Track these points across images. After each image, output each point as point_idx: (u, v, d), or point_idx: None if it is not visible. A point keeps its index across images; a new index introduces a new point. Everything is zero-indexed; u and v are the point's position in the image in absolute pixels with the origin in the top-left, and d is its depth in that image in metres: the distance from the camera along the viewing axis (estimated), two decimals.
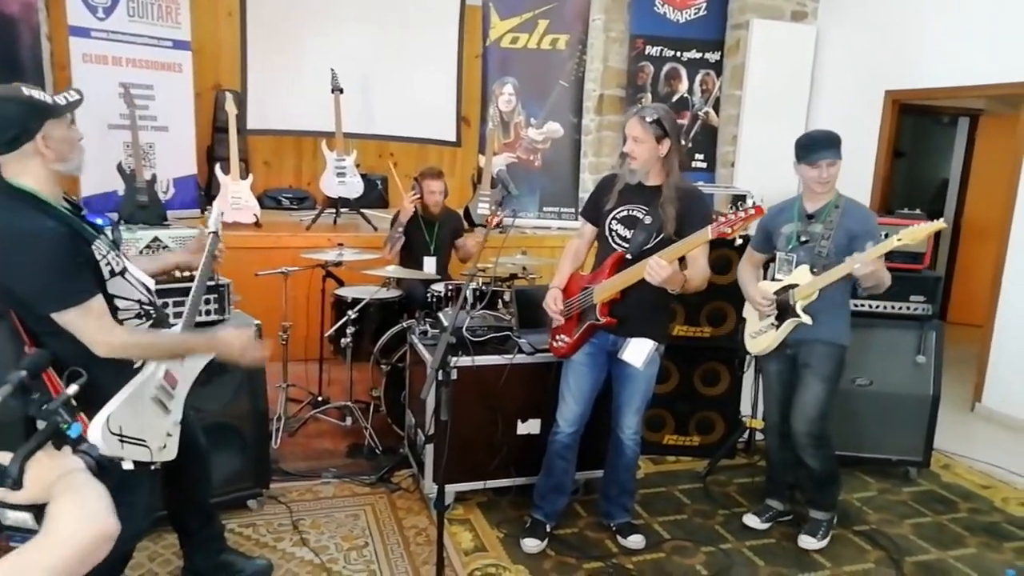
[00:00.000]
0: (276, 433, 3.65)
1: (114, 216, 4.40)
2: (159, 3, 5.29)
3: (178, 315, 2.40)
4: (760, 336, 2.99)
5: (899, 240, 2.57)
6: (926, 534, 3.14)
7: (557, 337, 2.90)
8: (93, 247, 1.84)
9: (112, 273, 1.88)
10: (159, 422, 1.99)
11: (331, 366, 4.20)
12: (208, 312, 2.91)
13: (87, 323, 1.78)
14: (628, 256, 2.68)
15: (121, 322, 1.90)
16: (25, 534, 1.13)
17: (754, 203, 2.49)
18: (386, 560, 2.76)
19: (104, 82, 4.90)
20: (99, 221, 1.97)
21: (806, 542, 2.96)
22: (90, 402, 1.77)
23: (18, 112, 1.75)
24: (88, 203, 4.96)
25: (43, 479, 1.17)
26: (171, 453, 2.04)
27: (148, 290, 2.03)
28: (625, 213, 2.75)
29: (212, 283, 2.96)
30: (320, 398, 4.03)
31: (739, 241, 3.53)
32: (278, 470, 3.33)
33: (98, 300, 1.80)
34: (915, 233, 2.56)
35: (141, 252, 2.84)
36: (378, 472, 3.37)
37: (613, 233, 2.77)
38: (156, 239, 2.86)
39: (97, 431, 1.77)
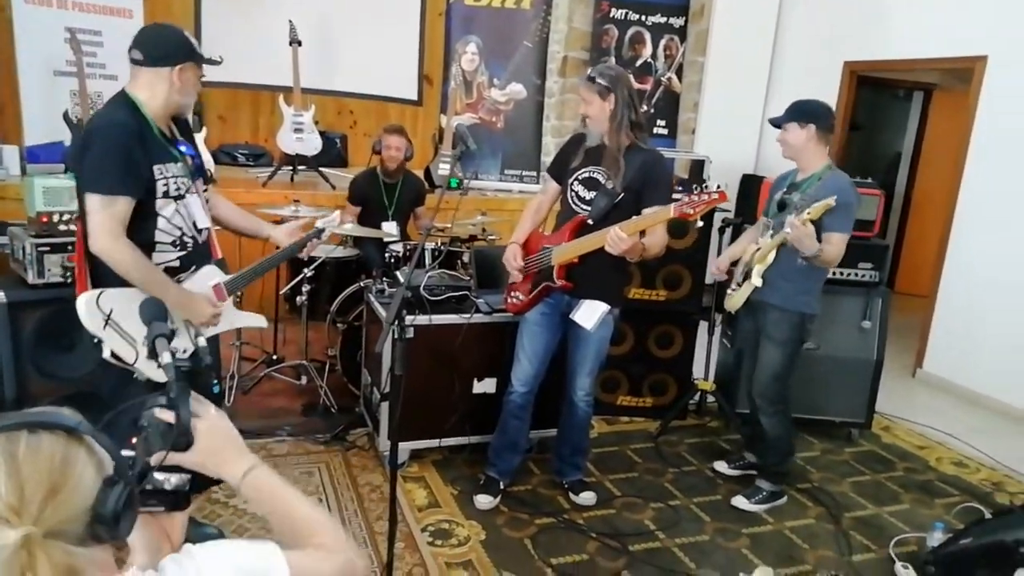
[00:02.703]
0: (229, 391, 3.61)
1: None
2: None
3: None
4: (733, 294, 3.06)
5: (808, 214, 2.64)
6: (864, 491, 3.27)
7: (512, 293, 2.91)
8: (160, 165, 2.04)
9: (166, 195, 2.08)
10: None
11: (286, 325, 4.15)
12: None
13: (101, 215, 1.94)
14: (590, 221, 2.69)
15: (155, 242, 2.08)
16: (170, 499, 1.06)
17: (719, 187, 2.53)
18: (340, 516, 2.77)
19: (48, 26, 4.67)
20: (185, 150, 2.17)
21: (738, 501, 3.06)
22: (102, 282, 2.01)
23: (177, 42, 2.09)
24: (33, 153, 4.77)
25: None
26: (159, 375, 1.98)
27: (195, 227, 2.18)
28: (587, 175, 2.75)
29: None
30: (275, 356, 3.99)
31: (700, 223, 3.54)
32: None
33: (124, 201, 1.97)
34: (817, 208, 2.64)
35: None
36: (333, 430, 3.37)
37: (574, 194, 2.78)
38: None
39: (83, 300, 1.97)
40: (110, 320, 1.97)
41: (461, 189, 4.45)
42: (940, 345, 4.81)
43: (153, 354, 1.38)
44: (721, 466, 3.35)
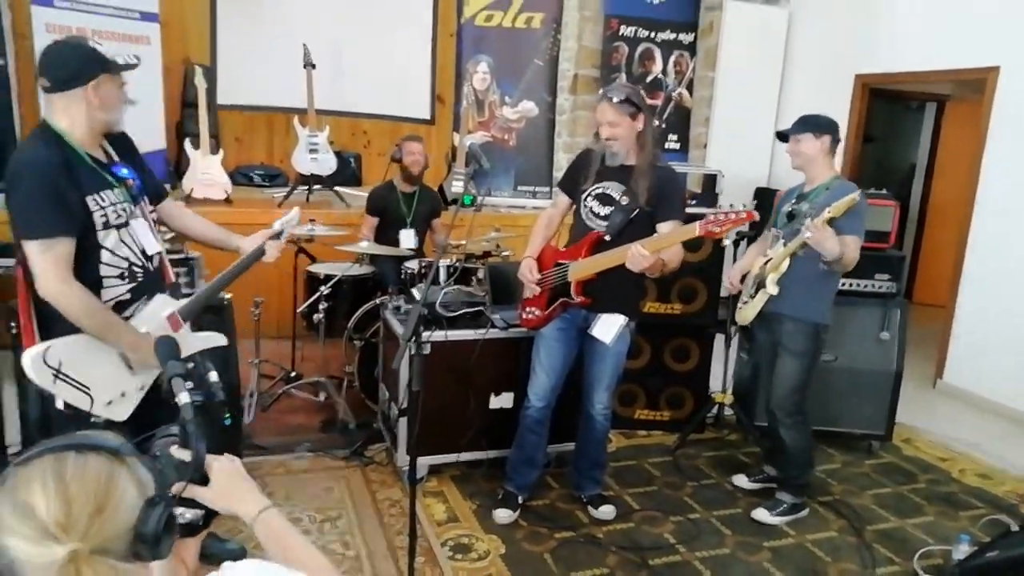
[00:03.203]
0: (249, 408, 3.63)
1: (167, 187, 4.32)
2: None
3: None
4: (744, 307, 3.06)
5: (828, 212, 2.66)
6: (887, 503, 3.24)
7: (528, 309, 2.92)
8: (94, 195, 1.89)
9: (107, 225, 1.92)
10: (116, 377, 1.95)
11: (304, 343, 4.18)
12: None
13: (41, 261, 1.82)
14: (607, 237, 2.71)
15: (101, 278, 1.93)
16: (184, 528, 1.10)
17: (745, 206, 2.56)
18: (360, 531, 2.78)
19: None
20: (124, 172, 2.02)
21: (759, 514, 3.03)
22: (50, 331, 1.88)
23: (82, 58, 1.90)
24: None
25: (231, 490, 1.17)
26: (120, 414, 1.97)
27: (144, 254, 2.03)
28: (601, 190, 2.77)
29: (182, 256, 2.96)
30: (293, 374, 4.02)
31: (726, 242, 3.54)
32: (251, 444, 3.32)
33: (64, 242, 1.83)
34: (839, 206, 2.66)
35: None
36: (352, 446, 3.38)
37: (588, 209, 2.79)
38: None
39: (28, 357, 1.81)
40: (60, 374, 1.85)
41: (475, 206, 4.48)
42: (960, 355, 4.77)
43: (170, 393, 1.41)
44: (740, 480, 3.32)
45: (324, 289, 3.71)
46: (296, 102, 5.48)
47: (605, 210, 2.75)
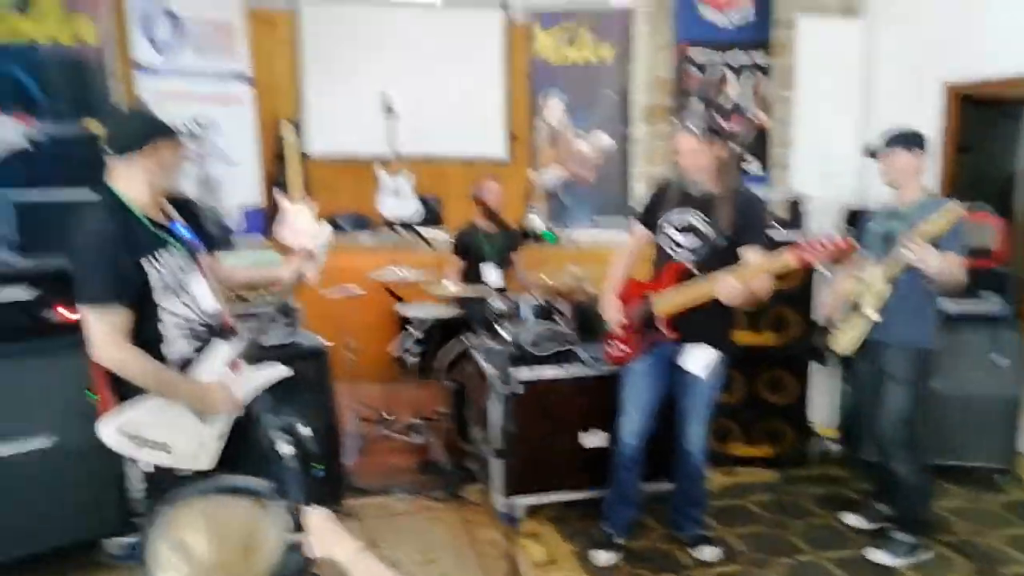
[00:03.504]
0: (348, 452, 3.73)
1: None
2: (219, 38, 5.51)
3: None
4: (839, 332, 2.96)
5: (925, 224, 2.57)
6: (1020, 545, 3.02)
7: (617, 344, 2.90)
8: (150, 258, 1.94)
9: (165, 286, 1.97)
10: (193, 430, 2.01)
11: (400, 385, 4.27)
12: (280, 334, 3.03)
13: (97, 327, 1.87)
14: (692, 269, 2.68)
15: (163, 336, 1.97)
16: None
17: (845, 237, 2.50)
18: (458, 573, 2.80)
19: (172, 118, 5.10)
20: (182, 233, 2.08)
21: (877, 556, 2.89)
22: (126, 395, 1.93)
23: (139, 124, 2.04)
24: None
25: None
26: (204, 463, 2.03)
27: (204, 312, 2.07)
28: (682, 220, 2.75)
29: (283, 305, 3.08)
30: (389, 417, 4.11)
31: (827, 273, 3.41)
32: (352, 487, 3.40)
33: (118, 311, 1.88)
34: (939, 222, 2.57)
35: None
36: (447, 487, 3.42)
37: (670, 240, 2.77)
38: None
39: (107, 429, 1.89)
40: (139, 439, 1.93)
41: (557, 243, 4.53)
42: None
43: (272, 447, 1.47)
44: (851, 519, 3.16)
45: (416, 332, 3.79)
46: (379, 150, 5.68)
47: (687, 240, 2.73)
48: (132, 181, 1.98)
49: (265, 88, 5.94)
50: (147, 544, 0.92)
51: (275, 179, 5.88)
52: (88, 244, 1.90)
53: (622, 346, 2.87)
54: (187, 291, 2.04)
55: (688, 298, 2.64)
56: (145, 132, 1.99)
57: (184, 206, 2.20)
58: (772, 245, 3.55)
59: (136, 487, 2.88)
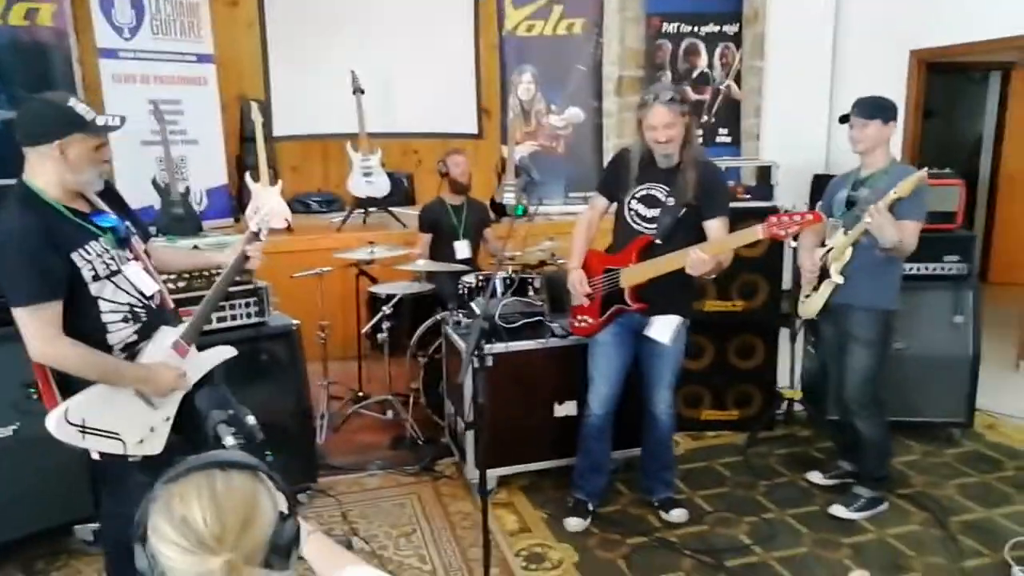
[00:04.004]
0: (320, 429, 3.75)
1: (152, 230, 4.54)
2: (181, 19, 5.41)
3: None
4: (807, 300, 3.01)
5: (895, 193, 2.60)
6: (972, 493, 3.12)
7: (579, 317, 2.94)
8: (78, 251, 1.88)
9: (96, 277, 1.92)
10: (141, 416, 2.00)
11: (370, 362, 4.29)
12: (249, 315, 3.03)
13: (29, 326, 1.83)
14: (657, 241, 2.71)
15: (104, 325, 1.94)
16: None
17: (811, 208, 2.53)
18: (434, 545, 2.84)
19: (134, 100, 5.03)
20: (108, 220, 2.00)
21: (836, 510, 2.97)
22: (69, 388, 1.90)
23: (50, 115, 1.87)
24: None
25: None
26: (154, 448, 2.02)
27: (143, 295, 2.04)
28: (645, 192, 2.77)
29: (251, 287, 3.08)
30: (361, 393, 4.13)
31: (792, 243, 3.44)
32: (325, 465, 3.43)
33: (49, 307, 1.83)
34: (905, 185, 2.60)
35: None
36: (421, 462, 3.46)
37: (633, 212, 2.79)
38: (195, 247, 2.96)
39: (52, 421, 1.85)
40: (85, 429, 1.88)
41: (527, 216, 4.53)
42: None
43: (218, 441, 1.50)
44: (815, 476, 3.26)
45: (386, 309, 3.81)
46: (347, 127, 5.63)
47: (651, 212, 2.75)
48: (46, 175, 1.88)
49: (229, 68, 5.86)
50: (146, 520, 0.94)
51: (241, 160, 5.83)
52: (10, 244, 1.81)
53: (587, 318, 2.90)
54: (124, 278, 1.99)
55: (656, 271, 2.67)
56: (54, 125, 1.85)
57: (107, 194, 2.09)
58: (739, 214, 3.61)
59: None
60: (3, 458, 2.61)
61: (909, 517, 2.96)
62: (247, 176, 5.36)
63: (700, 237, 2.71)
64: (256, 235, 2.25)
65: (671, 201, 2.70)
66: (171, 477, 0.96)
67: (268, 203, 5.18)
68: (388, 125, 6.21)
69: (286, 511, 0.98)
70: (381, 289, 4.04)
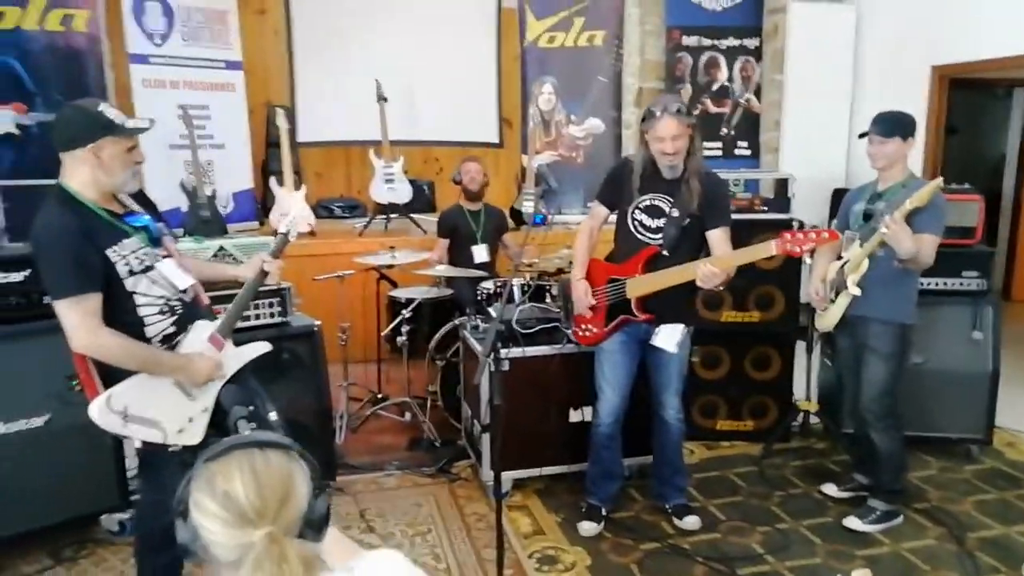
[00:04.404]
0: (339, 430, 3.81)
1: (178, 232, 4.64)
2: (211, 26, 5.55)
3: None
4: (825, 313, 3.03)
5: (910, 203, 2.60)
6: (989, 510, 3.10)
7: (583, 327, 2.95)
8: (113, 248, 1.98)
9: (131, 272, 2.01)
10: (180, 406, 2.07)
11: (389, 365, 4.35)
12: (272, 315, 3.09)
13: (71, 316, 1.90)
14: (664, 252, 2.74)
15: (142, 318, 2.03)
16: None
17: (827, 228, 2.55)
18: (449, 544, 2.88)
19: (164, 105, 5.16)
20: (140, 220, 2.10)
21: (851, 522, 2.96)
22: (110, 378, 1.98)
23: (81, 120, 1.96)
24: None
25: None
26: (193, 438, 2.08)
27: (176, 289, 2.11)
28: (649, 203, 2.79)
29: (274, 287, 3.14)
30: (380, 395, 4.19)
31: (808, 260, 3.42)
32: (343, 464, 3.48)
33: (90, 299, 1.91)
34: (921, 194, 2.60)
35: (210, 259, 2.99)
36: (438, 463, 3.50)
37: (637, 223, 2.81)
38: (221, 248, 3.04)
39: (95, 408, 1.93)
40: (127, 416, 1.97)
41: (546, 225, 4.59)
42: None
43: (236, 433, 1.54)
44: (830, 488, 3.25)
45: (406, 313, 3.86)
46: (371, 135, 5.72)
47: (655, 223, 2.77)
48: (81, 178, 1.97)
49: (256, 74, 5.98)
50: (187, 497, 0.99)
51: (266, 165, 5.94)
52: (50, 240, 1.91)
53: (592, 327, 2.92)
54: (158, 273, 2.08)
55: (664, 283, 2.70)
56: (86, 130, 1.94)
57: (139, 198, 2.19)
58: (756, 226, 3.63)
59: (132, 464, 2.96)
60: (34, 448, 2.69)
61: (925, 532, 2.95)
62: (272, 181, 5.46)
63: (704, 247, 2.74)
64: (285, 236, 2.35)
65: (675, 212, 2.73)
66: (212, 456, 1.02)
67: (294, 208, 5.27)
68: (411, 133, 6.30)
69: (318, 490, 1.04)
70: (401, 293, 4.10)
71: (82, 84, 5.10)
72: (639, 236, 2.80)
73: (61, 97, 4.98)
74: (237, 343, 2.27)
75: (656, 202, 2.77)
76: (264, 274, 2.32)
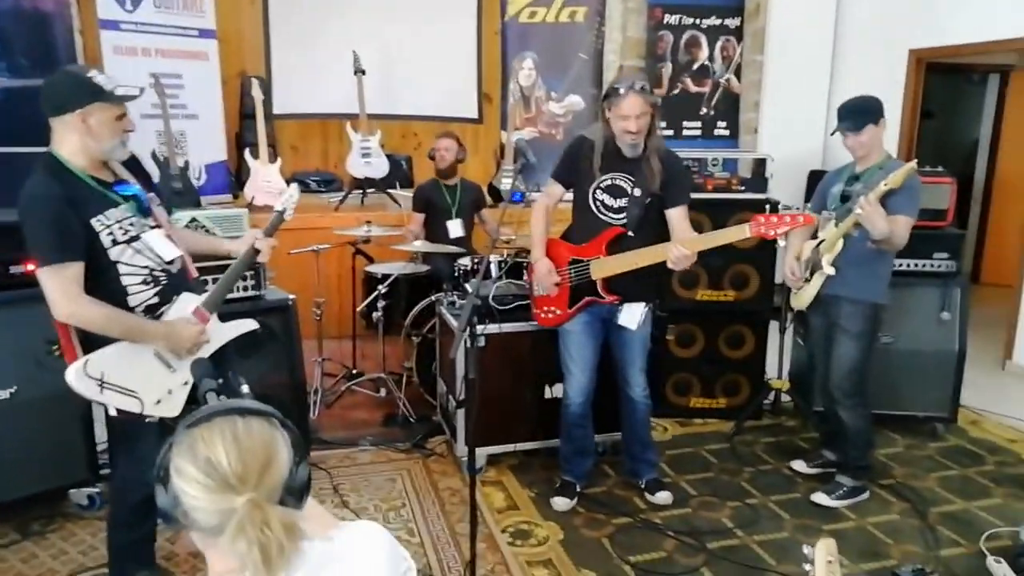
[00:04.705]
0: (314, 405, 3.79)
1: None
2: None
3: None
4: (800, 292, 3.07)
5: (885, 185, 2.63)
6: (952, 486, 3.18)
7: (545, 308, 2.94)
8: (97, 217, 1.97)
9: (115, 242, 2.00)
10: (159, 377, 2.07)
11: (364, 341, 4.33)
12: (245, 287, 3.06)
13: (53, 284, 1.91)
14: (630, 233, 2.74)
15: (124, 287, 2.03)
16: None
17: (799, 208, 2.56)
18: (423, 519, 2.89)
19: (135, 73, 5.01)
20: (130, 189, 2.10)
21: (818, 497, 3.02)
22: (91, 346, 1.98)
23: (70, 85, 1.96)
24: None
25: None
26: (171, 410, 2.08)
27: (161, 259, 2.11)
28: (610, 182, 2.77)
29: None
30: (355, 371, 4.17)
31: (781, 243, 3.43)
32: (317, 439, 3.47)
33: (71, 267, 1.92)
34: (895, 177, 2.62)
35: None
36: (413, 439, 3.50)
37: (599, 203, 2.79)
38: (194, 219, 2.99)
39: (71, 372, 1.93)
40: (104, 383, 1.96)
41: (524, 202, 4.57)
42: None
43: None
44: (799, 465, 3.31)
45: (381, 288, 3.84)
46: (348, 108, 5.64)
47: (618, 203, 2.76)
48: (70, 144, 1.97)
49: (230, 44, 5.85)
50: (168, 463, 0.99)
51: (240, 137, 5.84)
52: (33, 209, 1.91)
53: (555, 309, 2.91)
54: (144, 243, 2.07)
55: (632, 265, 2.70)
56: (75, 95, 1.94)
57: (130, 165, 2.18)
58: (733, 205, 3.64)
59: (101, 438, 2.93)
60: (3, 420, 2.64)
61: (889, 507, 3.02)
62: (246, 153, 5.37)
63: (665, 226, 2.75)
64: (281, 214, 2.36)
65: (637, 192, 2.73)
66: (193, 422, 1.01)
67: (271, 180, 5.21)
68: (388, 107, 6.22)
69: (299, 457, 1.04)
70: (377, 269, 4.07)
71: (50, 50, 4.96)
72: (601, 216, 2.78)
73: (27, 63, 4.85)
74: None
75: (618, 181, 2.76)
76: (255, 252, 2.32)
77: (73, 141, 1.97)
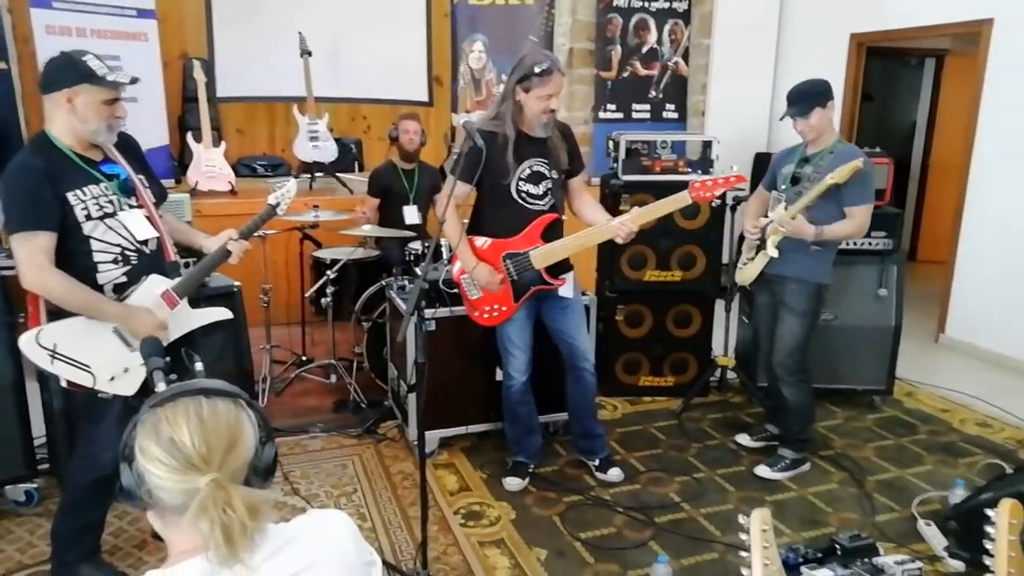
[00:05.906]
0: (262, 393, 3.75)
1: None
2: None
3: None
4: (744, 268, 3.14)
5: (831, 178, 2.74)
6: (887, 455, 3.32)
7: (488, 308, 2.89)
8: (75, 191, 2.02)
9: (89, 216, 2.05)
10: (116, 354, 2.08)
11: (314, 327, 4.28)
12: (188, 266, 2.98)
13: (21, 252, 1.98)
14: (563, 217, 2.79)
15: (95, 264, 2.07)
16: None
17: (733, 168, 2.63)
18: (375, 503, 2.89)
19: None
20: (114, 170, 2.14)
21: (761, 470, 3.12)
22: (57, 318, 2.04)
23: (62, 66, 2.04)
24: None
25: None
26: (126, 388, 2.10)
27: (134, 238, 2.14)
28: (529, 170, 2.77)
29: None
30: (304, 358, 4.13)
31: (717, 201, 3.48)
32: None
33: (40, 236, 1.98)
34: (841, 172, 2.73)
35: None
36: (364, 424, 3.49)
37: (523, 194, 2.77)
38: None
39: (24, 339, 2.00)
40: (56, 354, 2.00)
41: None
42: (961, 309, 4.81)
43: (152, 385, 1.54)
44: (743, 439, 3.41)
45: (330, 273, 3.80)
46: (295, 91, 5.53)
47: (540, 188, 2.78)
48: (58, 122, 2.04)
49: (171, 24, 5.67)
50: (134, 443, 0.98)
51: (182, 120, 5.68)
52: (11, 179, 2.00)
53: (500, 307, 2.87)
54: (118, 221, 2.10)
55: (577, 248, 2.75)
56: (65, 75, 2.01)
57: (121, 144, 2.20)
58: (679, 187, 3.69)
59: (39, 432, 2.85)
60: None
61: (829, 477, 3.13)
62: (189, 136, 5.23)
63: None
64: (273, 208, 2.39)
65: (554, 173, 2.77)
66: (158, 401, 1.01)
67: (212, 165, 5.08)
68: (337, 90, 6.12)
69: (265, 437, 1.04)
70: (325, 254, 4.03)
71: None
72: (528, 206, 2.78)
73: None
74: None
75: (536, 167, 2.77)
76: (227, 253, 2.31)
77: (60, 119, 2.03)
